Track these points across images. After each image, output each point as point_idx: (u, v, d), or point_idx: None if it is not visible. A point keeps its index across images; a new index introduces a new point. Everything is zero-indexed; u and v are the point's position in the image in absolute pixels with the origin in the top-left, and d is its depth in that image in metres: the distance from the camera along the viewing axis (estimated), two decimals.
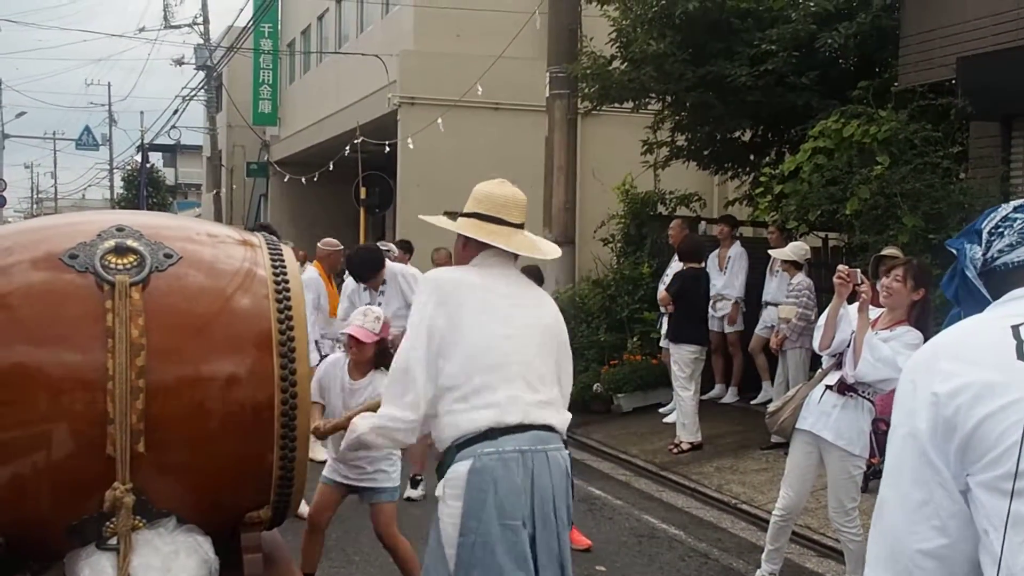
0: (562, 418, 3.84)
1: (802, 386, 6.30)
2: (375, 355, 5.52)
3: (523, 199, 4.07)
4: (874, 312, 5.84)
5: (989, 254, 2.51)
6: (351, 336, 5.48)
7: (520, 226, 4.01)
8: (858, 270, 5.93)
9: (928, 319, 5.73)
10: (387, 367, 5.61)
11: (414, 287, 8.42)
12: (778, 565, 6.35)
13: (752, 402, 11.56)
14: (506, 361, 3.77)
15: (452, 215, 4.18)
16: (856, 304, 5.79)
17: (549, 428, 3.75)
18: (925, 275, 5.85)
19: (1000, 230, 2.53)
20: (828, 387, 5.88)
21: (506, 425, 3.68)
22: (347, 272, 9.29)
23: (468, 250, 4.04)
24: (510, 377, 3.75)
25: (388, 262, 8.89)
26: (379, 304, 7.82)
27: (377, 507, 5.65)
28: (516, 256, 4.03)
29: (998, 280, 2.44)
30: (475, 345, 3.79)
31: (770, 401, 8.51)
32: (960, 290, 2.52)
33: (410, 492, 7.77)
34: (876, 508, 1.96)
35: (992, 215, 2.53)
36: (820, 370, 6.20)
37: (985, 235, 2.55)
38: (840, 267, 5.97)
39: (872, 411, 5.91)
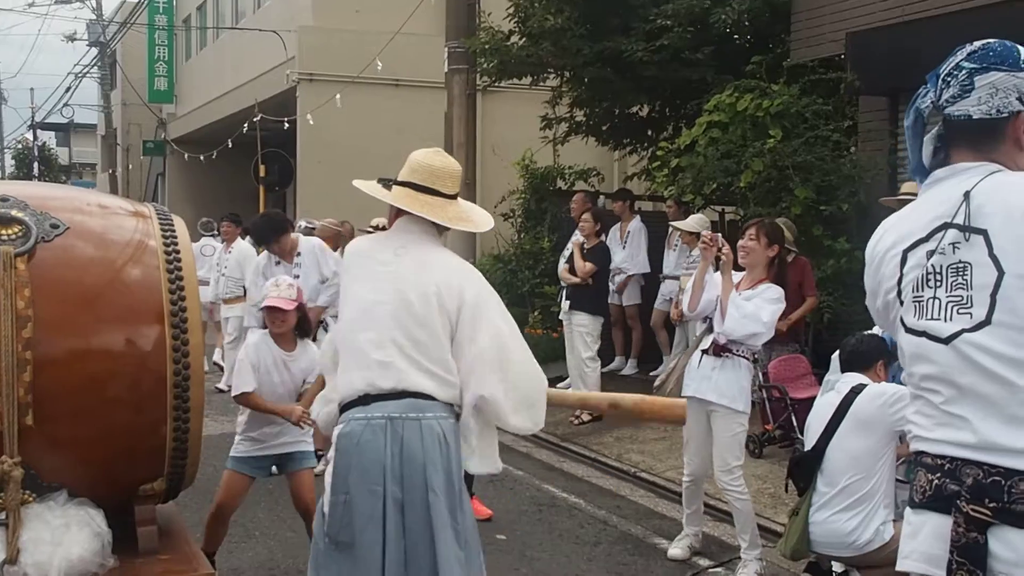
0: (444, 387, 3.79)
1: (681, 356, 6.46)
2: (297, 322, 5.52)
3: (458, 169, 4.10)
4: (737, 276, 6.07)
5: (940, 101, 2.56)
6: (272, 308, 5.44)
7: (454, 197, 4.02)
8: (719, 235, 6.18)
9: (784, 273, 6.10)
10: (306, 334, 5.64)
11: (329, 261, 8.41)
12: (699, 526, 6.52)
13: (651, 374, 11.70)
14: (380, 327, 3.79)
15: (387, 182, 4.15)
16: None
17: (427, 396, 3.77)
18: (776, 232, 6.15)
19: (949, 79, 2.56)
20: (704, 351, 6.04)
21: (379, 390, 3.73)
22: (250, 239, 9.17)
23: (392, 213, 4.09)
24: (382, 343, 3.78)
25: (303, 236, 8.83)
26: (296, 277, 7.74)
27: (297, 476, 5.64)
28: (445, 227, 4.05)
29: (952, 132, 2.54)
30: (353, 312, 3.91)
31: None
32: (909, 131, 2.62)
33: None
34: None
35: (950, 60, 2.56)
36: (695, 338, 6.37)
37: (940, 80, 2.59)
38: (703, 233, 6.27)
39: (750, 369, 6.12)
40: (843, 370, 5.44)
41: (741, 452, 6.13)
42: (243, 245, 12.31)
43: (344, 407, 3.81)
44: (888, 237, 2.68)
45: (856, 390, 5.23)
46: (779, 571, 6.24)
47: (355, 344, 3.83)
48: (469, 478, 6.91)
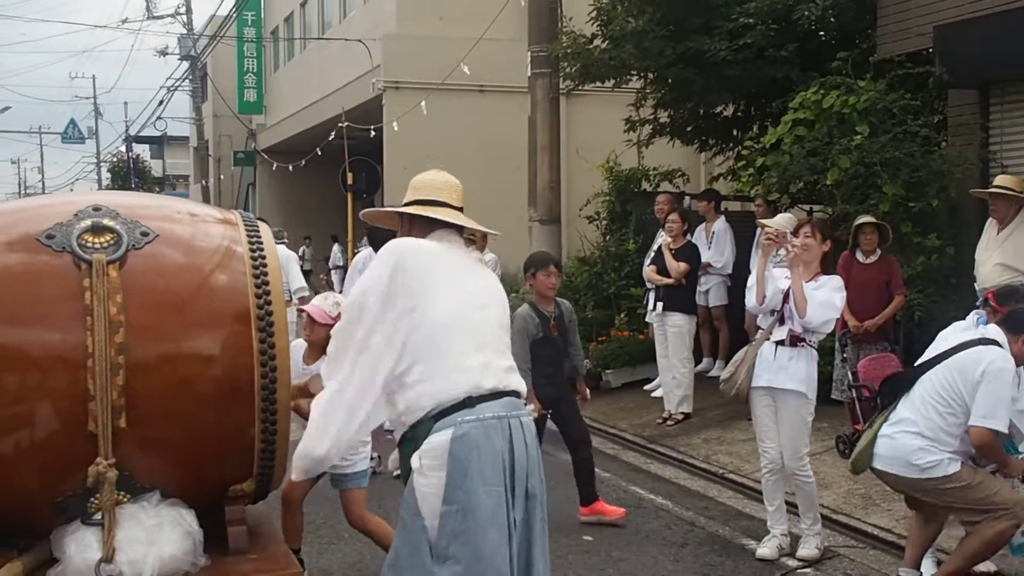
0: (524, 385, 3.91)
1: (748, 348, 6.56)
2: (325, 340, 5.50)
3: (459, 185, 4.14)
4: (778, 271, 6.54)
5: None
6: (308, 315, 5.48)
7: (460, 209, 4.08)
8: (788, 231, 6.53)
9: (832, 266, 6.54)
10: None
11: None
12: (785, 524, 6.53)
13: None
14: (478, 328, 3.82)
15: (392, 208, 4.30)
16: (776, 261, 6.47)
17: (518, 394, 3.82)
18: (828, 229, 6.78)
19: None
20: (778, 343, 6.28)
21: (482, 391, 3.69)
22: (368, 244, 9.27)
23: (415, 233, 4.03)
24: (481, 344, 3.79)
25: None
26: None
27: (347, 494, 5.62)
28: (462, 235, 4.11)
29: None
30: (438, 313, 3.76)
31: None
32: None
33: None
34: None
35: None
36: (761, 331, 6.51)
37: None
38: (768, 229, 6.61)
39: (816, 357, 6.39)
40: (999, 320, 5.58)
41: (809, 438, 6.44)
42: (282, 250, 12.44)
43: (442, 412, 3.65)
44: None
45: (984, 342, 5.39)
46: (869, 571, 6.18)
47: (449, 346, 3.72)
48: (591, 483, 7.03)
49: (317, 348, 5.50)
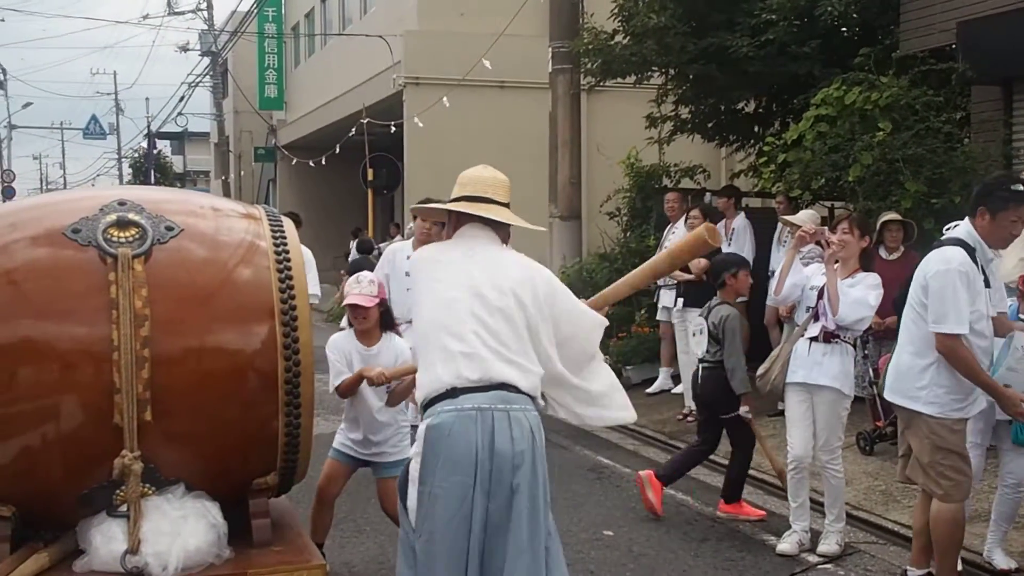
0: (527, 377, 3.88)
1: (784, 344, 6.62)
2: (380, 317, 5.59)
3: (506, 180, 4.20)
4: (814, 267, 6.61)
5: None
6: (354, 306, 5.52)
7: (506, 205, 4.13)
8: (825, 228, 6.60)
9: (872, 263, 6.48)
10: (391, 328, 5.72)
11: None
12: (807, 521, 6.53)
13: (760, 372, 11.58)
14: (459, 321, 3.86)
15: (439, 203, 4.35)
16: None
17: (513, 388, 3.82)
18: (866, 224, 6.71)
19: None
20: (812, 339, 6.29)
21: (467, 382, 3.78)
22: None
23: (453, 226, 4.15)
24: (463, 335, 3.83)
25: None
26: None
27: (385, 482, 5.69)
28: (505, 233, 4.14)
29: None
30: (430, 310, 3.96)
31: None
32: None
33: None
34: None
35: None
36: (796, 328, 6.55)
37: None
38: (806, 225, 6.66)
39: (852, 353, 6.38)
40: None
41: (843, 433, 6.42)
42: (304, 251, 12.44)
43: (429, 402, 3.83)
44: None
45: (941, 243, 5.46)
46: (889, 567, 6.17)
47: (436, 340, 3.88)
48: (740, 483, 7.07)
49: (375, 329, 5.59)
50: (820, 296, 6.27)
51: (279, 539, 4.10)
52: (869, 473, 7.66)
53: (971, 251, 5.24)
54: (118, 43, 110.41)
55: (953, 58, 9.99)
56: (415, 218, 7.93)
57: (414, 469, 3.80)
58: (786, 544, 6.44)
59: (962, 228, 5.39)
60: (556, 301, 4.06)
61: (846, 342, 6.28)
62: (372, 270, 7.77)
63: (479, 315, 3.85)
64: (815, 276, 6.41)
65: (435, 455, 3.72)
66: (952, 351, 5.15)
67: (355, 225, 24.66)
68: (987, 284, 5.28)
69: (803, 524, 6.49)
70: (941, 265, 5.21)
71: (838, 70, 10.75)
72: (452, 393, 3.77)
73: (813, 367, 6.26)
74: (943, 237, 5.57)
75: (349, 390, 5.47)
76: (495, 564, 3.72)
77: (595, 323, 4.28)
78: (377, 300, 5.52)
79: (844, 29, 12.32)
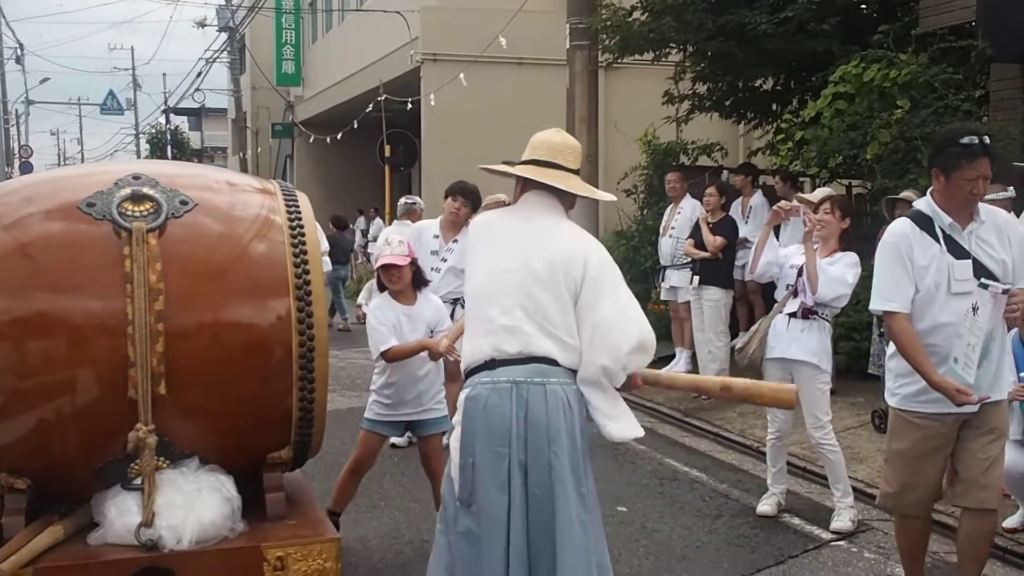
0: (567, 352, 3.85)
1: (762, 320, 6.78)
2: (412, 276, 5.66)
3: (578, 145, 4.18)
4: (793, 247, 6.72)
5: None
6: (387, 266, 5.56)
7: (576, 171, 4.10)
8: (801, 206, 6.71)
9: (852, 243, 6.53)
10: (423, 285, 5.75)
11: None
12: (785, 484, 6.85)
13: (732, 342, 11.51)
14: (507, 294, 3.86)
15: (510, 164, 4.30)
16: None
17: (552, 361, 3.82)
18: (848, 206, 6.86)
19: None
20: (791, 315, 6.42)
21: (506, 355, 3.79)
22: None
23: (519, 191, 4.16)
24: (509, 309, 3.83)
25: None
26: (443, 260, 7.73)
27: (428, 441, 5.81)
28: (570, 202, 4.09)
29: None
30: (479, 280, 3.98)
31: None
32: None
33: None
34: None
35: None
36: (776, 304, 6.64)
37: None
38: (782, 203, 6.76)
39: (830, 330, 6.53)
40: None
41: (828, 407, 6.49)
42: None
43: (470, 372, 3.87)
44: None
45: None
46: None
47: (482, 311, 3.91)
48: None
49: (409, 289, 5.68)
50: (800, 274, 6.41)
51: (293, 513, 4.12)
52: (883, 452, 7.63)
53: (925, 221, 4.66)
54: (135, 18, 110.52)
55: (973, 36, 9.90)
56: (446, 197, 7.88)
57: (456, 439, 3.85)
58: (765, 506, 6.75)
59: (925, 197, 4.81)
60: (600, 287, 3.88)
61: (824, 319, 6.44)
62: (348, 247, 7.79)
63: (527, 288, 3.85)
64: (795, 255, 6.54)
65: (472, 427, 3.79)
66: (888, 329, 4.76)
67: (373, 202, 24.73)
68: (961, 255, 4.62)
69: (781, 487, 6.83)
70: (885, 237, 4.77)
71: (857, 47, 10.68)
72: (490, 364, 3.81)
73: (791, 343, 6.39)
74: None
75: (400, 356, 5.51)
76: (544, 540, 3.74)
77: (630, 334, 3.88)
78: (409, 259, 5.60)
79: (863, 6, 12.25)
